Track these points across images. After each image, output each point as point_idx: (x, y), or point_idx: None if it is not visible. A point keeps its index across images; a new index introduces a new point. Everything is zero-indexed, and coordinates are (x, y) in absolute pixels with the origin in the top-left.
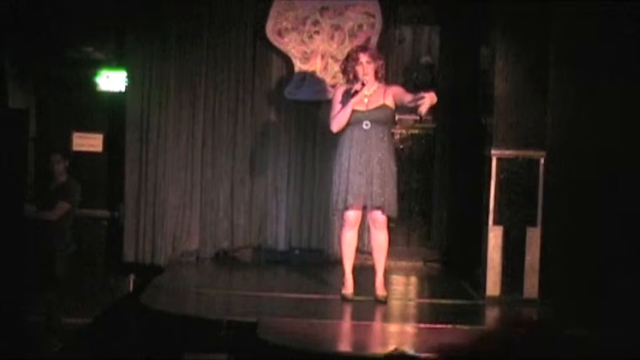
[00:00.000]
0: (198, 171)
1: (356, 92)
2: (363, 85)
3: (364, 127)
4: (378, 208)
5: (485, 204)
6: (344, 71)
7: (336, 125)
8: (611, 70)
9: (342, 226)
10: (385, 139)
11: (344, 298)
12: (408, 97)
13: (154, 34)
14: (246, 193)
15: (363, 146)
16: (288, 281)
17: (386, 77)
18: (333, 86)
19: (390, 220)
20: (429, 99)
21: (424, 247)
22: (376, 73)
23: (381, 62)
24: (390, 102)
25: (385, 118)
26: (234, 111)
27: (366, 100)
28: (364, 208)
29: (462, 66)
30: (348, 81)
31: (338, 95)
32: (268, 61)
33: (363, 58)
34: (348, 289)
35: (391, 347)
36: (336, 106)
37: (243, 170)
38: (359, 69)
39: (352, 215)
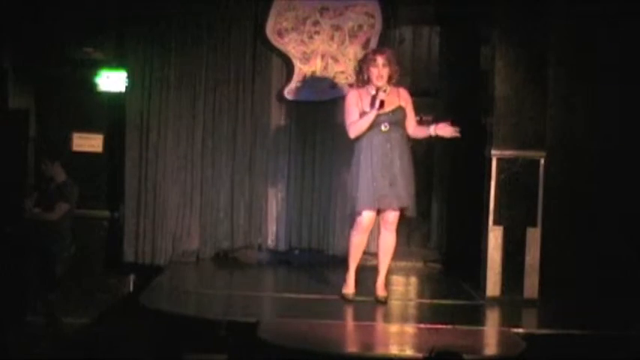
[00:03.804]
0: (198, 171)
1: (382, 103)
2: (384, 92)
3: (383, 128)
4: (402, 209)
5: (485, 204)
6: (358, 72)
7: (355, 132)
8: (611, 70)
9: (353, 228)
10: (403, 139)
11: (344, 297)
12: (410, 115)
13: (154, 34)
14: (246, 193)
15: (384, 149)
16: (288, 281)
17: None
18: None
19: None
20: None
21: (424, 247)
22: (390, 77)
23: (396, 68)
24: (403, 104)
25: (402, 119)
26: (234, 111)
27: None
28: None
29: (462, 66)
30: (362, 82)
31: (352, 99)
32: (268, 61)
33: (380, 60)
34: (350, 288)
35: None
36: (352, 110)
37: (243, 170)
38: (373, 70)
39: (368, 219)
